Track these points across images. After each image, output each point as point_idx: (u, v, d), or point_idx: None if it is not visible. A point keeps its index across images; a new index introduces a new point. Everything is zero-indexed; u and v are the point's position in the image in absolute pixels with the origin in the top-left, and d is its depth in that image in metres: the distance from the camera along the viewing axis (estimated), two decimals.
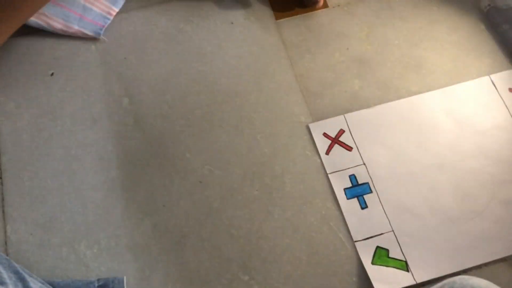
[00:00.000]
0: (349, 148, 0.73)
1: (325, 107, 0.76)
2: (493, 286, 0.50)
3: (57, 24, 0.80)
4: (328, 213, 0.69)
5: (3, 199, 0.69)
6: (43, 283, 0.61)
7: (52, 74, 0.78)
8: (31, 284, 0.58)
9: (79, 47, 0.81)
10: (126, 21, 0.84)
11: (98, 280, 0.63)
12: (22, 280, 0.58)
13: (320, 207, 0.69)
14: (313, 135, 0.74)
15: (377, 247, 0.66)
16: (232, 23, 0.84)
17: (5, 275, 0.56)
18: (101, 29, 0.82)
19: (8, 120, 0.75)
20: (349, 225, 0.68)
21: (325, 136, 0.74)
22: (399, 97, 0.77)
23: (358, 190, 0.70)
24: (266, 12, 0.85)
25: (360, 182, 0.71)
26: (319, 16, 0.85)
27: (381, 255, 0.66)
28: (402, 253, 0.66)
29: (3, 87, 0.77)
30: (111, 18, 0.83)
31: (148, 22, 0.83)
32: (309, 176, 0.71)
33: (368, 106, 0.76)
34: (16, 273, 0.58)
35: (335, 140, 0.73)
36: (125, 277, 0.64)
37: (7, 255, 0.64)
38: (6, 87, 0.77)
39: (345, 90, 0.78)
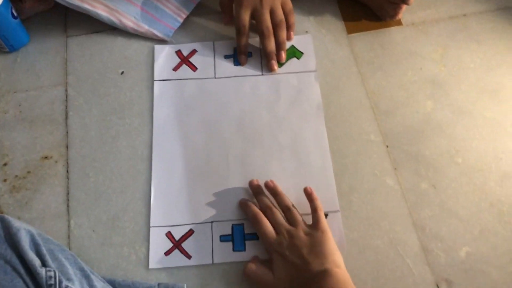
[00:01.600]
0: None
1: (396, 127, 0.74)
2: None
3: (129, 22, 0.81)
4: (396, 236, 0.66)
5: (68, 193, 0.70)
6: (104, 282, 0.60)
7: (122, 73, 0.79)
8: (95, 282, 0.57)
9: (149, 47, 0.81)
10: (196, 24, 0.84)
11: (159, 284, 0.62)
12: (86, 277, 0.57)
13: (388, 230, 0.67)
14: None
15: None
16: (306, 32, 0.83)
17: (71, 271, 0.56)
18: (171, 31, 0.82)
19: (77, 115, 0.75)
20: None
21: None
22: (472, 123, 0.74)
23: None
24: (338, 25, 0.84)
25: None
26: (392, 33, 0.83)
27: None
28: None
29: (74, 82, 0.78)
30: (181, 21, 0.82)
31: (223, 29, 0.83)
32: (377, 197, 0.69)
33: (440, 129, 0.74)
34: (81, 270, 0.58)
35: None
36: (185, 285, 0.62)
37: (69, 249, 0.64)
38: (78, 82, 0.78)
39: (417, 111, 0.75)
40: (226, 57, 0.80)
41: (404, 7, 0.81)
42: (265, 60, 0.79)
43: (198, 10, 0.84)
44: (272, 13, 0.76)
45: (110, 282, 0.62)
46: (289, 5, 0.78)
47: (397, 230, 0.67)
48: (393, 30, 0.83)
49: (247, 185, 0.69)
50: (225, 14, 0.81)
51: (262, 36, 0.77)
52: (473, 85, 0.78)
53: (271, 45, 0.77)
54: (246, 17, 0.76)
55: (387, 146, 0.73)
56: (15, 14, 0.76)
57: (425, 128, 0.74)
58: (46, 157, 0.72)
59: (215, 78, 0.78)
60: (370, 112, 0.75)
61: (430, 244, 0.66)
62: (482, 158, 0.72)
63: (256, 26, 0.77)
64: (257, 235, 0.66)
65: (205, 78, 0.78)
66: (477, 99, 0.76)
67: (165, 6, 0.83)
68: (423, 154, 0.72)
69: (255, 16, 0.76)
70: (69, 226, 0.67)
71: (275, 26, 0.77)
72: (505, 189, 0.69)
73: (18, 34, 0.79)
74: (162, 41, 0.81)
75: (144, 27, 0.81)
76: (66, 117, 0.75)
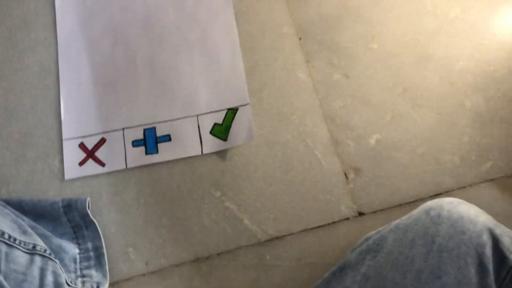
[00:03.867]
0: None
1: (310, 16, 0.70)
2: (483, 213, 0.47)
3: None
4: (306, 130, 0.66)
5: None
6: (3, 205, 0.60)
7: None
8: None
9: None
10: None
11: (62, 200, 0.63)
12: None
13: (298, 123, 0.66)
14: None
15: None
16: None
17: None
18: None
19: None
20: None
21: None
22: (391, 4, 0.70)
23: None
24: None
25: None
26: None
27: None
28: None
29: None
30: None
31: None
32: (288, 92, 0.67)
33: (357, 14, 0.70)
34: None
35: None
36: (88, 198, 0.63)
37: None
38: None
39: None
40: None
41: None
42: None
43: None
44: None
45: (18, 203, 0.62)
46: None
47: (307, 123, 0.66)
48: None
49: (157, 88, 0.68)
50: None
51: None
52: None
53: None
54: None
55: (300, 38, 0.70)
56: None
57: (341, 14, 0.71)
58: None
59: None
60: (283, 2, 0.72)
61: (340, 135, 0.65)
62: (399, 42, 0.69)
63: None
64: (169, 136, 0.66)
65: None
66: None
67: None
68: (337, 42, 0.69)
69: None
70: None
71: None
72: (420, 72, 0.67)
73: None
74: None
75: None
76: None
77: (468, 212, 0.46)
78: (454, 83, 0.66)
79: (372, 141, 0.65)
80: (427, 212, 0.48)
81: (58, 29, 0.72)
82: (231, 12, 0.71)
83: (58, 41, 0.71)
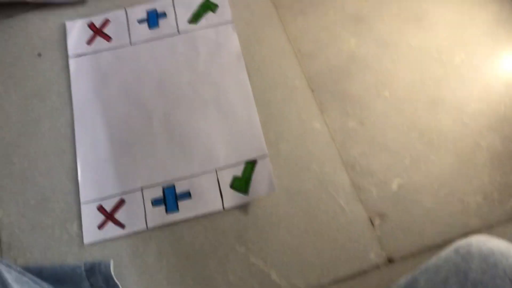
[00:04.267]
0: None
1: (320, 69, 0.72)
2: None
3: None
4: (326, 178, 0.66)
5: None
6: (22, 273, 0.58)
7: (39, 55, 0.77)
8: (6, 274, 0.55)
9: (64, 25, 0.79)
10: None
11: (85, 264, 0.61)
12: None
13: (318, 172, 0.66)
14: None
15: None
16: None
17: None
18: None
19: None
20: None
21: None
22: (398, 54, 0.72)
23: None
24: None
25: None
26: None
27: None
28: None
29: None
30: None
31: None
32: (305, 142, 0.68)
33: (365, 64, 0.72)
34: None
35: None
36: (112, 261, 0.61)
37: (0, 239, 0.64)
38: None
39: (341, 50, 0.74)
40: (140, 21, 0.78)
41: None
42: None
43: None
44: None
45: (37, 269, 0.60)
46: None
47: (327, 172, 0.66)
48: None
49: (174, 145, 0.68)
50: None
51: None
52: (396, 16, 0.76)
53: None
54: None
55: (312, 90, 0.71)
56: None
57: (350, 66, 0.72)
58: None
59: (130, 45, 0.76)
60: (293, 57, 0.74)
61: (362, 181, 0.65)
62: (410, 88, 0.70)
63: None
64: (189, 193, 0.65)
65: (121, 47, 0.76)
66: (401, 29, 0.75)
67: None
68: (349, 92, 0.71)
69: None
70: None
71: None
72: (433, 115, 0.68)
73: None
74: (75, 11, 0.79)
75: None
76: None
77: (499, 246, 0.46)
78: (467, 125, 0.67)
79: (394, 186, 0.65)
80: (456, 250, 0.47)
81: (73, 94, 0.73)
82: (243, 69, 0.73)
83: (73, 106, 0.72)
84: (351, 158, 0.66)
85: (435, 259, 0.48)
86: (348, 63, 0.73)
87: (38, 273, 0.59)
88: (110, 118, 0.71)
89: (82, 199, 0.66)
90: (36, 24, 0.79)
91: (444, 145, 0.66)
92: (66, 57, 0.76)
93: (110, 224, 0.65)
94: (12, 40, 0.78)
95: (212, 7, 0.78)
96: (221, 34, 0.76)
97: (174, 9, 0.78)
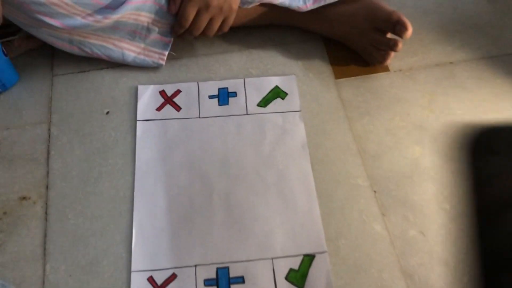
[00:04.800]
0: None
1: (383, 172, 0.73)
2: None
3: (124, 44, 0.80)
4: (384, 284, 0.64)
5: (45, 236, 0.67)
6: None
7: (107, 113, 0.78)
8: None
9: (136, 88, 0.80)
10: (180, 65, 0.84)
11: None
12: None
13: (376, 277, 0.65)
14: None
15: None
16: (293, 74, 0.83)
17: None
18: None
19: (59, 154, 0.74)
20: None
21: None
22: (460, 167, 0.74)
23: None
24: (325, 70, 0.84)
25: None
26: (380, 79, 0.83)
27: None
28: None
29: (58, 120, 0.77)
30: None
31: (207, 69, 0.83)
32: (365, 243, 0.67)
33: (428, 174, 0.73)
34: None
35: None
36: None
37: None
38: (61, 121, 0.77)
39: (405, 156, 0.75)
40: (211, 97, 0.79)
41: (392, 53, 0.81)
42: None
43: (182, 51, 0.85)
44: (210, 21, 0.76)
45: None
46: (228, 25, 0.79)
47: (385, 278, 0.65)
48: (381, 76, 0.84)
49: (231, 226, 0.67)
50: (174, 4, 0.76)
51: (187, 32, 0.78)
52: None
53: (182, 31, 0.78)
54: (191, 13, 0.75)
55: (374, 191, 0.72)
56: (5, 52, 0.76)
57: (413, 174, 0.73)
58: (24, 198, 0.70)
59: (199, 118, 0.77)
60: (357, 156, 0.75)
61: None
62: (470, 203, 0.71)
63: (191, 22, 0.76)
64: (243, 278, 0.63)
65: (189, 118, 0.77)
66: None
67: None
68: (411, 199, 0.71)
69: (196, 15, 0.75)
70: (44, 270, 0.64)
71: (204, 30, 0.78)
72: None
73: (8, 72, 0.79)
74: (148, 76, 0.81)
75: (141, 46, 0.80)
76: (48, 157, 0.73)
77: None
78: None
79: None
80: None
81: (137, 156, 0.73)
82: (307, 158, 0.74)
83: (136, 169, 0.72)
84: (410, 267, 0.66)
85: None
86: (412, 169, 0.74)
87: None
88: (171, 186, 0.71)
89: (133, 267, 0.64)
90: (108, 83, 0.81)
91: None
92: (133, 119, 0.77)
93: None
94: (84, 94, 0.80)
95: (282, 95, 0.80)
96: (288, 120, 0.77)
97: (245, 91, 0.80)
